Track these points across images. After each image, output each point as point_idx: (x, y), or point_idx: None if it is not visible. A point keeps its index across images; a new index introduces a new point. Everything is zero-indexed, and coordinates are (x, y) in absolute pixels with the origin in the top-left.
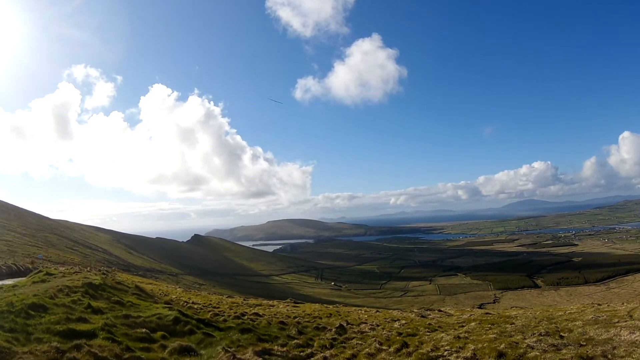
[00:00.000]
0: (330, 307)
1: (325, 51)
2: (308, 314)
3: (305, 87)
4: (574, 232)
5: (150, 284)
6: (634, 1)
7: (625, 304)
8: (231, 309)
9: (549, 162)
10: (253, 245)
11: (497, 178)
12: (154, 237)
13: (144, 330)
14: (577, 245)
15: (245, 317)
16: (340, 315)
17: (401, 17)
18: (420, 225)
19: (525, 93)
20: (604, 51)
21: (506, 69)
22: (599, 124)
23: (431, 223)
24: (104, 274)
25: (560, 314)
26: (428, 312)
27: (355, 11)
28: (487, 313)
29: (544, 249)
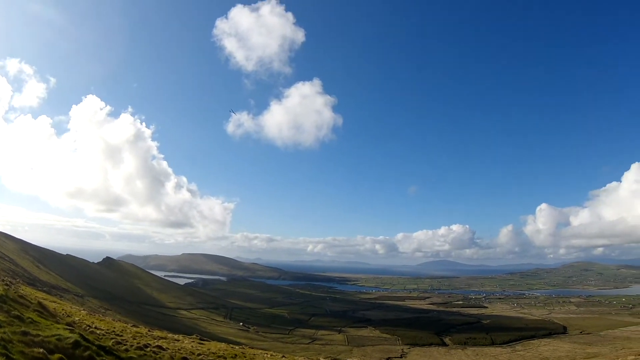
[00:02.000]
0: (237, 347)
1: (264, 88)
2: (213, 353)
3: (239, 122)
4: (484, 294)
5: (54, 302)
6: (530, 88)
7: None
8: (135, 339)
9: (467, 226)
10: (165, 275)
11: (415, 236)
12: (65, 253)
13: (41, 350)
14: (487, 307)
15: (148, 349)
16: (245, 356)
17: (346, 66)
18: (335, 275)
19: (451, 158)
20: (524, 131)
21: (435, 132)
22: (518, 194)
23: (346, 274)
24: (7, 285)
25: None
26: None
27: (302, 53)
28: None
29: (454, 309)
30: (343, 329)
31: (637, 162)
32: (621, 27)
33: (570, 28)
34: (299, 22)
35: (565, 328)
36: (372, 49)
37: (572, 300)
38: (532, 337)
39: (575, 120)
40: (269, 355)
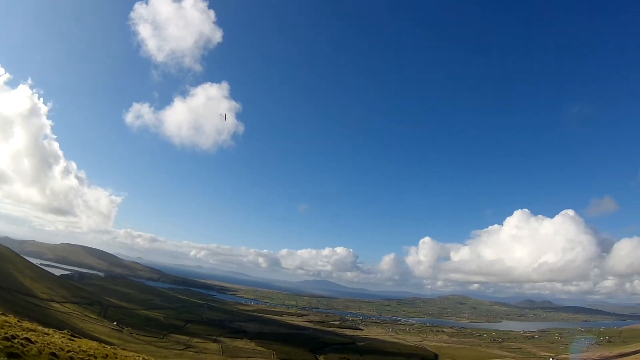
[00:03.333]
0: (108, 347)
1: (171, 83)
2: (83, 351)
3: (139, 113)
4: (362, 317)
5: None
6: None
7: None
8: (2, 328)
9: (351, 250)
10: (41, 264)
11: (299, 254)
12: None
13: None
14: (362, 330)
15: (16, 340)
16: (117, 357)
17: (257, 76)
18: (216, 283)
19: (342, 182)
20: (417, 167)
21: (330, 155)
22: (404, 225)
23: (227, 283)
24: None
25: None
26: None
27: (216, 53)
28: None
29: (330, 328)
30: (218, 338)
31: (519, 210)
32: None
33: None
34: (220, 22)
35: (436, 356)
36: (286, 62)
37: (445, 330)
38: None
39: (465, 163)
40: (141, 359)
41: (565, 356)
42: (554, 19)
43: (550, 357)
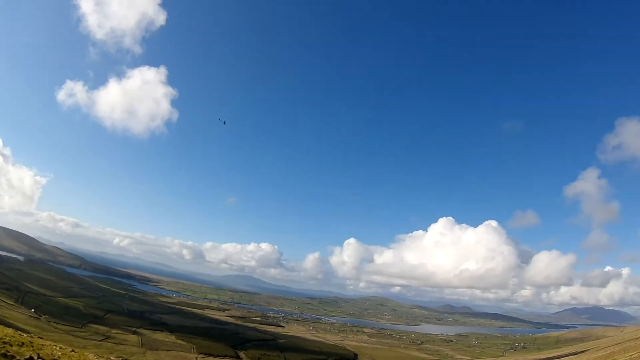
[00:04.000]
0: (25, 335)
1: (108, 62)
2: None
3: (72, 92)
4: (283, 314)
5: None
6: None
7: None
8: None
9: (276, 247)
10: None
11: (224, 248)
12: None
13: None
14: (284, 327)
15: None
16: (33, 346)
17: (196, 64)
18: (138, 273)
19: (271, 177)
20: (345, 171)
21: (260, 149)
22: (329, 225)
23: (149, 274)
24: None
25: None
26: None
27: (157, 36)
28: None
29: (252, 324)
30: (138, 330)
31: (444, 217)
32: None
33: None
34: (165, 4)
35: (356, 355)
36: (226, 52)
37: (365, 330)
38: None
39: (394, 169)
40: (58, 348)
41: None
42: (487, 40)
43: None
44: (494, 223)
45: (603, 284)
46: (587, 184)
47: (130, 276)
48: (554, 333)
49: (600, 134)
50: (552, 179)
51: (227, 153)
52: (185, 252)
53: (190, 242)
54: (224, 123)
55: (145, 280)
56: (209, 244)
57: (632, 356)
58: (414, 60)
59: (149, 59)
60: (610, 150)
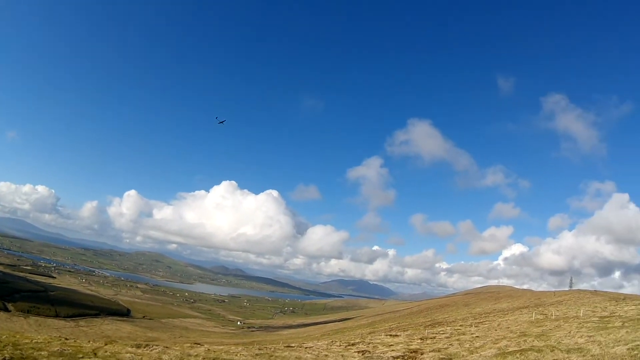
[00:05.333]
0: None
1: None
2: None
3: None
4: (55, 264)
5: None
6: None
7: (91, 342)
8: None
9: (53, 190)
10: None
11: None
12: None
13: None
14: (55, 278)
15: None
16: None
17: None
18: None
19: (55, 112)
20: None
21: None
22: (110, 174)
23: None
24: None
25: (26, 341)
26: None
27: None
28: None
29: (22, 273)
30: None
31: (227, 181)
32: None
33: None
34: None
35: (129, 311)
36: None
37: (139, 286)
38: (97, 315)
39: (177, 125)
40: None
41: (252, 321)
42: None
43: (238, 320)
44: (275, 193)
45: (370, 261)
46: (370, 170)
47: None
48: (322, 300)
49: (392, 129)
50: (339, 160)
51: (9, 80)
52: None
53: None
54: (222, 122)
55: None
56: None
57: (391, 326)
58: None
59: None
60: (397, 145)
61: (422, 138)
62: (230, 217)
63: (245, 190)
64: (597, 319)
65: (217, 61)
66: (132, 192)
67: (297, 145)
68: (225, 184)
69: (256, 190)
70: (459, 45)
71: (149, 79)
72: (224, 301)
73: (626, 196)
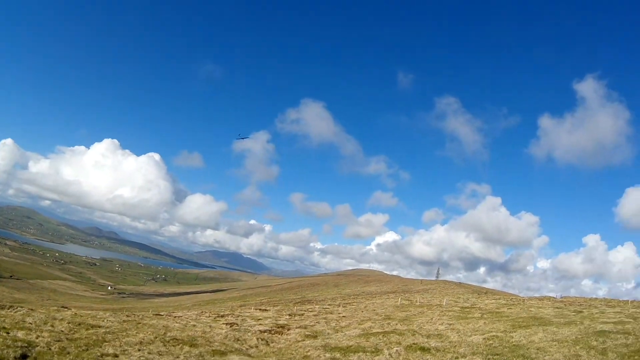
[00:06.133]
0: None
1: None
2: None
3: None
4: None
5: None
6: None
7: None
8: None
9: None
10: None
11: None
12: None
13: None
14: None
15: None
16: None
17: None
18: None
19: None
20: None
21: None
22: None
23: None
24: None
25: None
26: None
27: None
28: None
29: None
30: None
31: (110, 139)
32: None
33: None
34: None
35: None
36: None
37: (8, 242)
38: None
39: (65, 76)
40: None
41: (123, 287)
42: None
43: (109, 285)
44: (157, 156)
45: (246, 235)
46: (256, 144)
47: None
48: (195, 270)
49: (285, 106)
50: (227, 130)
51: None
52: None
53: None
54: (244, 138)
55: None
56: None
57: (262, 300)
58: None
59: None
60: (288, 122)
61: (314, 119)
62: (108, 177)
63: (127, 151)
64: (459, 309)
65: (113, 18)
66: (9, 140)
67: (187, 110)
68: (107, 142)
69: (138, 152)
70: (363, 38)
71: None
72: (96, 264)
73: (499, 200)
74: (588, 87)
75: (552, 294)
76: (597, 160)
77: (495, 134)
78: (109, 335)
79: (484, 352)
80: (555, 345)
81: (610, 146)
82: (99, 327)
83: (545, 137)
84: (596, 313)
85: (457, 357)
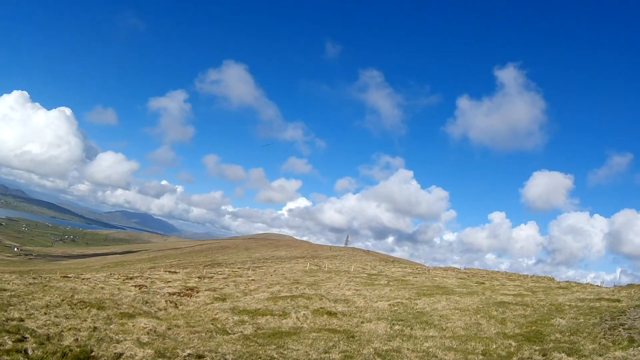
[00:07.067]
0: None
1: None
2: None
3: None
4: None
5: None
6: None
7: None
8: None
9: None
10: None
11: None
12: None
13: None
14: None
15: None
16: None
17: None
18: None
19: None
20: None
21: None
22: None
23: None
24: None
25: None
26: None
27: None
28: None
29: None
30: None
31: (19, 91)
32: None
33: None
34: None
35: None
36: None
37: None
38: None
39: None
40: None
41: (30, 248)
42: None
43: (15, 247)
44: (68, 111)
45: (157, 195)
46: (173, 102)
47: None
48: (104, 231)
49: (206, 66)
50: (142, 88)
51: None
52: None
53: None
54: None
55: None
56: None
57: (172, 262)
58: None
59: None
60: (208, 83)
61: (235, 81)
62: (16, 131)
63: (37, 104)
64: (366, 275)
65: None
66: None
67: (103, 63)
68: (16, 94)
69: (49, 106)
70: (294, 5)
71: None
72: (1, 224)
73: (411, 173)
74: (508, 75)
75: (456, 265)
76: (509, 144)
77: (415, 110)
78: (14, 298)
79: (389, 318)
80: (457, 313)
81: (523, 132)
82: (4, 290)
83: (462, 117)
84: (497, 285)
85: (362, 322)
